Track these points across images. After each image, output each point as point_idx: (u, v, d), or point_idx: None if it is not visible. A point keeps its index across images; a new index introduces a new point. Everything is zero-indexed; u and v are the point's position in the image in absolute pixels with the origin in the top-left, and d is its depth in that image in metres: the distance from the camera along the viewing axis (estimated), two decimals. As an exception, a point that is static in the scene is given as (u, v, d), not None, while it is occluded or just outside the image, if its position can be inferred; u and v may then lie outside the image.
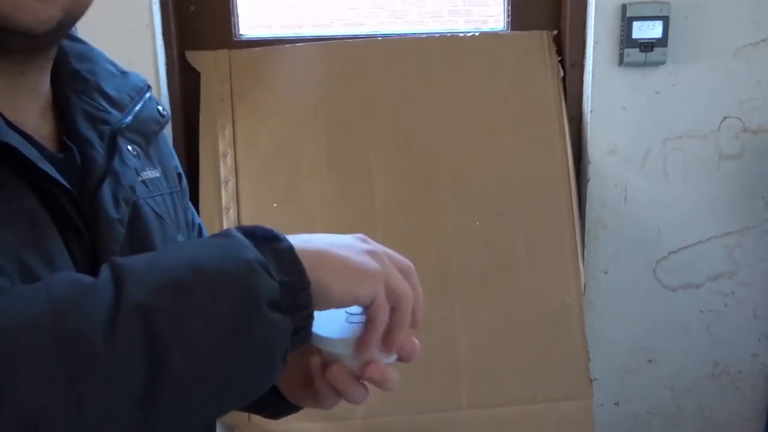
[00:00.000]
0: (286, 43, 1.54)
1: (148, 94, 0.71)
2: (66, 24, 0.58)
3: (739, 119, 1.56)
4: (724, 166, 1.58)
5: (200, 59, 1.52)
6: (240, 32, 1.58)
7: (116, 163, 0.63)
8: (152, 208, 0.68)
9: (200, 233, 0.82)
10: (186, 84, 1.53)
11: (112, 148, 0.64)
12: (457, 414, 1.47)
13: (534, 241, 1.51)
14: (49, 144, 0.61)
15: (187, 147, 1.51)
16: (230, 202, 1.48)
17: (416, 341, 0.61)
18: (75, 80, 0.65)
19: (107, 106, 0.66)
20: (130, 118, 0.67)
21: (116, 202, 0.61)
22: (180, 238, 0.72)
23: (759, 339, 1.68)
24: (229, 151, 1.49)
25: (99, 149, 0.63)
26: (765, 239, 1.62)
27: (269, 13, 1.73)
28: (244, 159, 1.49)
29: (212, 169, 1.48)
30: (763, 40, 1.52)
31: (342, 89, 1.52)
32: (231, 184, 1.48)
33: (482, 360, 1.47)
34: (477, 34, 1.57)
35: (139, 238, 0.64)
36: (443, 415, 1.48)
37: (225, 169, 1.48)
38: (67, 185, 0.56)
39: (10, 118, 0.56)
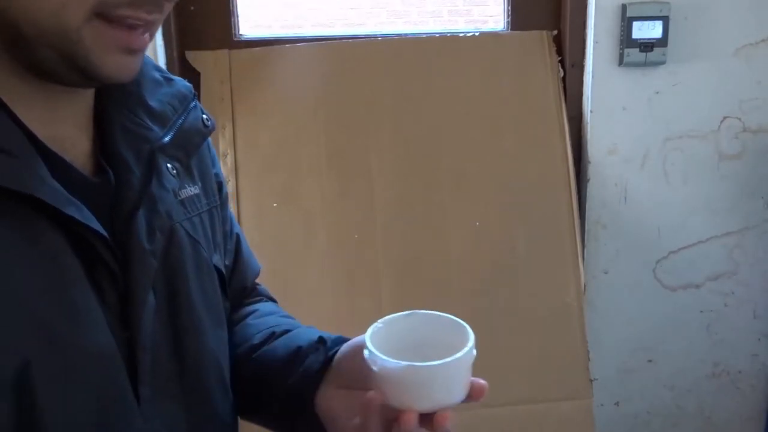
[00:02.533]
0: (286, 43, 1.54)
1: (193, 103, 0.67)
2: None
3: (739, 119, 1.56)
4: (724, 166, 1.58)
5: (200, 59, 1.52)
6: (240, 32, 1.58)
7: (153, 185, 0.60)
8: (188, 232, 0.64)
9: (238, 243, 0.81)
10: (186, 84, 1.53)
11: (150, 169, 0.60)
12: (457, 414, 1.47)
13: (534, 241, 1.51)
14: (84, 163, 0.58)
15: (187, 147, 1.51)
16: (230, 202, 1.48)
17: (484, 382, 0.62)
18: (118, 93, 0.62)
19: (149, 122, 0.62)
20: (171, 134, 0.63)
21: (150, 231, 0.58)
22: (215, 258, 0.70)
23: (759, 339, 1.68)
24: (229, 151, 1.49)
25: (136, 171, 0.59)
26: (765, 239, 1.62)
27: (269, 13, 1.73)
28: (244, 159, 1.49)
29: (212, 169, 1.48)
30: (763, 40, 1.52)
31: (342, 89, 1.52)
32: (231, 184, 1.48)
33: (482, 360, 1.47)
34: (477, 34, 1.57)
35: (172, 268, 0.62)
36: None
37: (225, 169, 1.48)
38: (101, 230, 0.53)
39: (46, 130, 0.54)
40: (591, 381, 1.52)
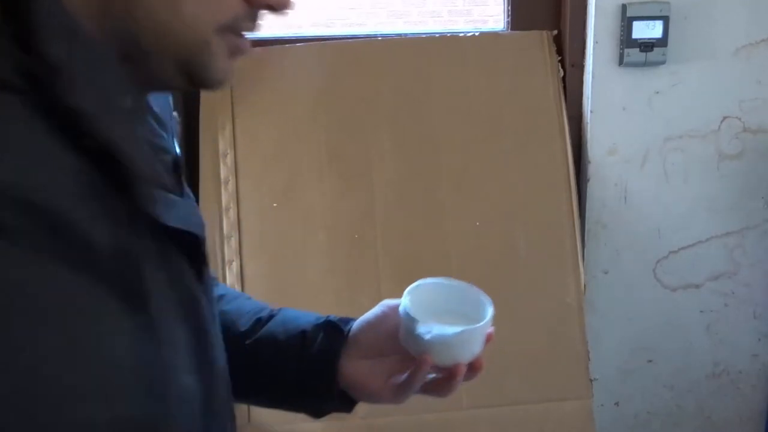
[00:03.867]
0: (286, 43, 1.54)
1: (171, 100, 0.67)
2: None
3: (739, 119, 1.56)
4: (724, 166, 1.58)
5: (200, 59, 1.52)
6: (240, 32, 1.58)
7: (186, 194, 0.59)
8: None
9: None
10: (186, 84, 1.53)
11: (178, 178, 0.59)
12: (457, 414, 1.47)
13: (534, 241, 1.51)
14: None
15: (187, 147, 1.51)
16: (230, 202, 1.48)
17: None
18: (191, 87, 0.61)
19: (158, 129, 0.60)
20: (176, 140, 0.62)
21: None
22: None
23: (759, 339, 1.68)
24: (229, 151, 1.49)
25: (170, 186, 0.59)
26: (765, 239, 1.62)
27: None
28: (244, 159, 1.49)
29: (212, 169, 1.48)
30: (763, 40, 1.52)
31: (342, 89, 1.52)
32: (231, 184, 1.48)
33: (482, 360, 1.47)
34: (477, 34, 1.57)
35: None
36: (443, 415, 1.48)
37: (225, 169, 1.48)
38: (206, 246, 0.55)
39: None
40: (591, 381, 1.52)
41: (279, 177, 1.49)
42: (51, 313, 0.38)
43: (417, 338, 0.70)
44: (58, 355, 0.38)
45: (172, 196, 0.51)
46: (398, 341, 0.74)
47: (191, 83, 0.51)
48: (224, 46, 0.51)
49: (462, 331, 0.69)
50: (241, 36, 0.53)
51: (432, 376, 0.74)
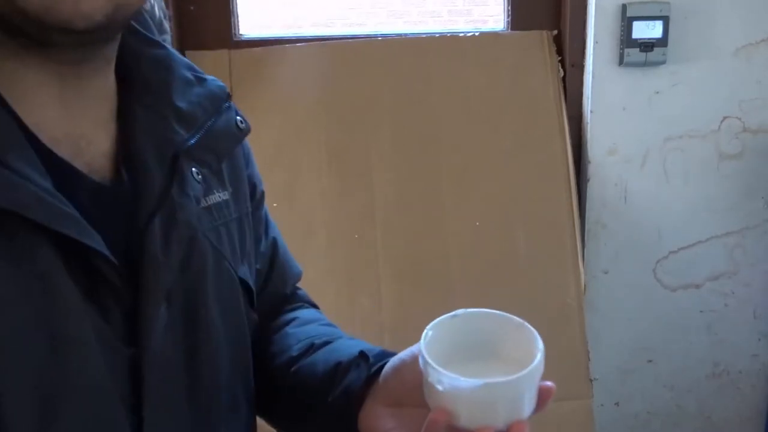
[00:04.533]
0: (286, 43, 1.54)
1: (226, 104, 0.64)
2: (116, 19, 0.51)
3: (739, 119, 1.56)
4: (724, 166, 1.58)
5: (200, 59, 1.52)
6: (240, 32, 1.58)
7: (174, 192, 0.56)
8: (212, 243, 0.61)
9: (275, 246, 0.77)
10: (186, 84, 1.53)
11: (172, 174, 0.57)
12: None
13: (534, 241, 1.51)
14: (101, 164, 0.55)
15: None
16: (230, 202, 1.48)
17: (552, 384, 0.59)
18: (145, 91, 0.59)
19: (174, 124, 0.59)
20: (198, 136, 0.60)
21: (167, 241, 0.55)
22: (242, 269, 0.66)
23: (759, 339, 1.68)
24: (229, 151, 1.49)
25: (157, 176, 0.56)
26: (765, 239, 1.62)
27: (269, 13, 1.73)
28: (244, 159, 1.49)
29: (212, 169, 1.48)
30: (763, 40, 1.52)
31: (342, 89, 1.52)
32: (231, 184, 1.48)
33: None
34: (477, 34, 1.57)
35: (191, 281, 0.58)
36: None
37: (225, 169, 1.48)
38: (101, 247, 0.49)
39: (58, 129, 0.52)
40: (591, 381, 1.52)
41: (279, 177, 1.49)
42: None
43: (430, 388, 0.53)
44: None
45: (18, 177, 0.46)
46: (416, 395, 0.57)
47: (55, 29, 0.48)
48: None
49: (484, 385, 0.50)
50: None
51: None
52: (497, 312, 0.60)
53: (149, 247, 0.53)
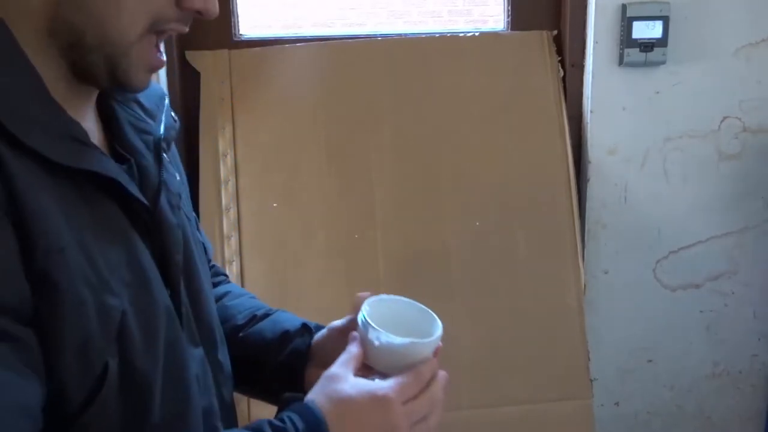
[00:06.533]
0: (286, 43, 1.54)
1: (167, 102, 0.76)
2: None
3: (739, 119, 1.56)
4: (724, 166, 1.58)
5: (200, 59, 1.52)
6: (240, 32, 1.58)
7: (163, 172, 0.68)
8: (184, 211, 0.74)
9: (198, 225, 0.87)
10: (186, 84, 1.53)
11: (159, 157, 0.69)
12: (457, 414, 1.47)
13: (534, 241, 1.51)
14: (106, 151, 0.66)
15: (187, 147, 1.51)
16: (230, 202, 1.48)
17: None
18: (119, 93, 0.69)
19: (145, 117, 0.71)
20: (162, 126, 0.72)
21: (172, 208, 0.68)
22: (200, 234, 0.80)
23: (759, 339, 1.68)
24: (229, 151, 1.49)
25: (149, 159, 0.68)
26: (765, 239, 1.62)
27: (269, 13, 1.73)
28: (244, 159, 1.49)
29: (212, 169, 1.48)
30: (763, 40, 1.52)
31: (342, 89, 1.52)
32: (231, 184, 1.48)
33: (482, 360, 1.47)
34: (477, 34, 1.57)
35: (185, 240, 0.70)
36: (443, 415, 1.48)
37: (225, 169, 1.48)
38: (147, 203, 0.64)
39: (84, 124, 0.61)
40: (591, 381, 1.52)
41: (279, 177, 1.49)
42: None
43: (367, 343, 0.72)
44: None
45: (89, 149, 0.59)
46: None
47: (117, 84, 0.62)
48: (145, 57, 0.61)
49: (410, 343, 0.70)
50: (158, 50, 0.63)
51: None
52: (413, 301, 0.78)
53: (165, 215, 0.67)
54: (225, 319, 0.85)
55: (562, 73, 1.55)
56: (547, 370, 1.50)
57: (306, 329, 0.83)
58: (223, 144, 1.49)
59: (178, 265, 0.67)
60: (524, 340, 1.49)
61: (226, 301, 0.89)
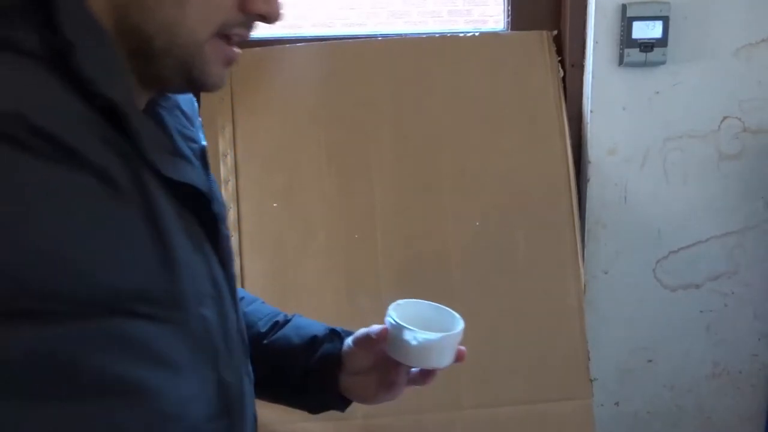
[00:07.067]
0: (286, 43, 1.54)
1: (196, 106, 0.76)
2: None
3: (739, 119, 1.56)
4: (724, 166, 1.58)
5: (200, 59, 1.52)
6: (240, 32, 1.58)
7: (211, 179, 0.69)
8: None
9: None
10: (186, 84, 1.53)
11: (205, 164, 0.70)
12: (457, 414, 1.47)
13: (534, 241, 1.51)
14: None
15: (187, 147, 1.51)
16: (230, 202, 1.48)
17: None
18: (164, 99, 0.68)
19: (187, 123, 0.70)
20: (201, 134, 0.72)
21: (222, 219, 0.69)
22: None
23: (759, 339, 1.68)
24: (229, 151, 1.49)
25: (199, 168, 0.68)
26: (765, 239, 1.62)
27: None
28: (244, 159, 1.49)
29: (212, 169, 1.48)
30: (763, 40, 1.52)
31: (342, 89, 1.52)
32: (231, 184, 1.48)
33: (482, 360, 1.47)
34: (477, 34, 1.57)
35: (225, 239, 0.71)
36: (443, 415, 1.48)
37: (225, 169, 1.48)
38: (216, 213, 0.65)
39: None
40: (591, 381, 1.52)
41: (279, 177, 1.49)
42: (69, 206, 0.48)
43: (403, 344, 0.78)
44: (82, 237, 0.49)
45: (181, 160, 0.61)
46: (382, 357, 0.82)
47: (188, 85, 0.61)
48: (218, 52, 0.59)
49: (444, 336, 0.78)
50: (233, 44, 0.61)
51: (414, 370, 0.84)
52: (430, 302, 0.85)
53: (219, 225, 0.68)
54: (246, 326, 0.86)
55: (562, 73, 1.55)
56: (547, 370, 1.50)
57: (335, 334, 0.87)
58: (223, 144, 1.49)
59: (233, 279, 0.69)
60: (524, 340, 1.49)
61: (242, 307, 0.90)
